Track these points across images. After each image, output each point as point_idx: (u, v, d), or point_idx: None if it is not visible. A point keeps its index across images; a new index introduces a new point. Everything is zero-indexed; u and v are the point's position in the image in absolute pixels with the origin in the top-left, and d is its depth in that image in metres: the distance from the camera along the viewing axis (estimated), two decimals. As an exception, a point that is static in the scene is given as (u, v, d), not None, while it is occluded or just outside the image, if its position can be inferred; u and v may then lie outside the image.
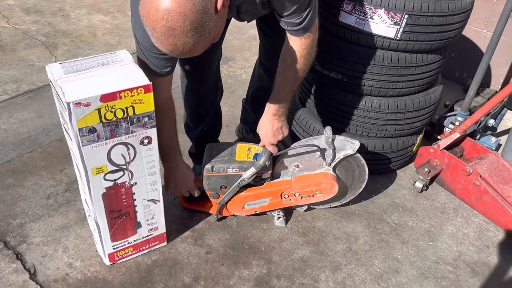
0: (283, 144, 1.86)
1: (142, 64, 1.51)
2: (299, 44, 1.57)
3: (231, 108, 2.79)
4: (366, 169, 1.91)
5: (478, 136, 2.49)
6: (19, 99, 2.70)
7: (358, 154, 1.86)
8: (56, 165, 2.25)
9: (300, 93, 2.34)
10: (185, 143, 2.42)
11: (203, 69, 1.86)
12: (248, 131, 2.43)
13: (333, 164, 1.88)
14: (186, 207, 2.06)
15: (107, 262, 1.77)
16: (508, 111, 2.74)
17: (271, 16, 1.59)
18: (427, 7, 1.79)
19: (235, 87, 3.05)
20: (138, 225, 1.73)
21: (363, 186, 1.98)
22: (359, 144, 1.82)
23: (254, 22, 1.92)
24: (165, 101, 1.63)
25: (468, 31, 3.04)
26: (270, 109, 1.75)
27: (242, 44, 3.60)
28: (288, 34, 1.58)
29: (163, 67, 1.51)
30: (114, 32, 3.57)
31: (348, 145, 1.83)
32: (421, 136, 2.37)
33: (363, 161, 1.89)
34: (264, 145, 1.81)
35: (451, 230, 2.08)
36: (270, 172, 1.86)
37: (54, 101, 2.67)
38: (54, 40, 3.36)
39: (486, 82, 3.14)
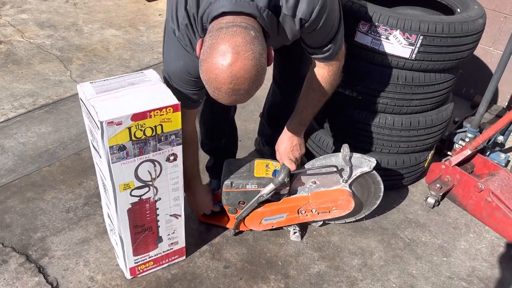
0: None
1: None
2: (325, 70, 1.64)
3: (243, 122, 2.83)
4: (382, 186, 1.95)
5: (488, 153, 2.54)
6: (36, 113, 2.75)
7: (374, 171, 1.90)
8: (74, 179, 2.29)
9: (314, 109, 2.39)
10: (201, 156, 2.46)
11: None
12: (264, 144, 2.49)
13: (349, 181, 1.92)
14: (203, 221, 2.10)
15: (128, 276, 1.80)
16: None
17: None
18: (442, 29, 1.85)
19: (247, 102, 3.09)
20: (160, 239, 1.77)
21: (378, 202, 2.02)
22: (375, 161, 1.86)
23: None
24: (191, 132, 1.73)
25: (476, 49, 3.10)
26: (290, 126, 1.81)
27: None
28: (314, 60, 1.63)
29: (193, 100, 1.61)
30: (126, 46, 3.63)
31: (365, 163, 1.87)
32: (432, 152, 2.41)
33: (379, 178, 1.93)
34: (283, 162, 1.85)
35: (464, 246, 2.11)
36: (288, 188, 1.89)
37: (70, 115, 2.75)
38: (68, 54, 3.42)
39: (493, 98, 3.19)
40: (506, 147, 2.76)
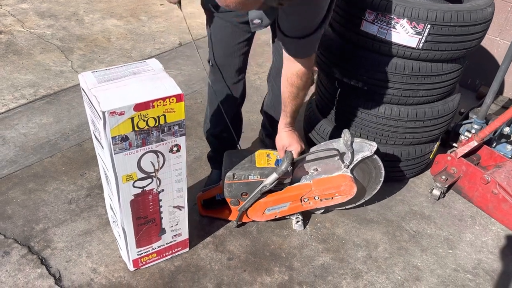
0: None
1: None
2: (294, 68, 1.66)
3: (246, 114, 2.77)
4: (383, 171, 1.94)
5: (494, 144, 2.51)
6: (37, 104, 2.73)
7: (375, 156, 1.88)
8: (76, 170, 2.27)
9: (318, 100, 2.36)
10: (204, 147, 2.44)
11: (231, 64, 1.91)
12: (266, 136, 2.48)
13: (351, 166, 1.90)
14: (204, 214, 2.08)
15: (131, 267, 1.79)
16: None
17: None
18: (450, 17, 1.81)
19: (249, 92, 3.03)
20: (163, 231, 1.75)
21: (379, 187, 2.01)
22: (376, 145, 1.85)
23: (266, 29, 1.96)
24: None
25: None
26: (283, 122, 1.85)
27: (254, 49, 3.61)
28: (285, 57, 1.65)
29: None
30: (128, 37, 3.60)
31: (366, 147, 1.85)
32: (438, 143, 2.38)
33: (380, 163, 1.91)
34: (286, 151, 1.84)
35: (469, 238, 2.09)
36: (290, 177, 1.87)
37: (72, 106, 2.73)
38: (69, 45, 3.39)
39: (499, 89, 3.15)
40: (512, 138, 2.73)
